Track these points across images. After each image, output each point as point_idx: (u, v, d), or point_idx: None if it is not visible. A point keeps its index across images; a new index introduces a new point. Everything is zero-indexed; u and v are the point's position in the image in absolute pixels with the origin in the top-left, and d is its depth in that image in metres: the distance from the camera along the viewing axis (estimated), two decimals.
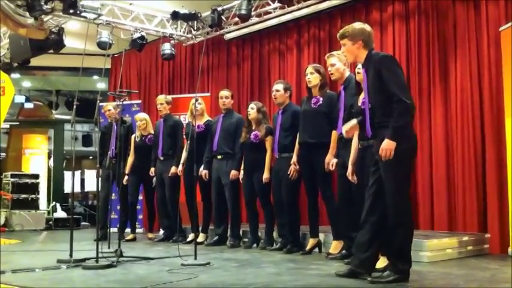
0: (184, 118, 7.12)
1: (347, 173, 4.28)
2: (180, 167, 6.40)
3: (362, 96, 4.09)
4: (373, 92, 3.55)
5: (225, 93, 6.24)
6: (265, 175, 5.55)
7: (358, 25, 3.67)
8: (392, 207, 3.42)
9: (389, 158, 3.36)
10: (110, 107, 6.93)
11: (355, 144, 4.22)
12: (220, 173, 5.98)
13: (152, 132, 6.95)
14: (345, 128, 3.91)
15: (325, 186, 5.00)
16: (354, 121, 3.89)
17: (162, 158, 6.66)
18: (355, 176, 4.23)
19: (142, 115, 7.11)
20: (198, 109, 6.17)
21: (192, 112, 5.90)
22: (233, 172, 5.85)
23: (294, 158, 5.20)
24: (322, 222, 5.40)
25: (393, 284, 3.35)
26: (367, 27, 3.67)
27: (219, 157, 6.03)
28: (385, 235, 3.53)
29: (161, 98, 6.90)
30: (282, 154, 5.37)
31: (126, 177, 6.82)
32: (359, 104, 4.16)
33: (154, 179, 6.82)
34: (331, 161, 4.76)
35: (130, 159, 6.92)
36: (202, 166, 6.15)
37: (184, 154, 6.39)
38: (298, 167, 5.17)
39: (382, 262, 3.86)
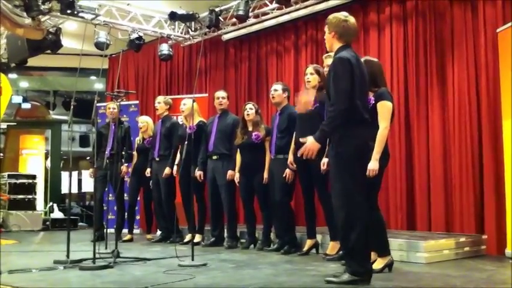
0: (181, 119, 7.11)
1: None
2: (175, 167, 6.40)
3: None
4: (327, 90, 3.56)
5: (221, 93, 6.23)
6: (265, 175, 5.55)
7: (337, 15, 3.55)
8: (341, 209, 3.39)
9: (335, 161, 3.41)
10: (113, 105, 6.89)
11: None
12: (216, 174, 5.96)
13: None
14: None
15: (322, 187, 4.99)
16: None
17: (157, 159, 6.67)
18: None
19: (143, 118, 7.25)
20: (183, 110, 6.20)
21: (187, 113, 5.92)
22: (230, 172, 5.83)
23: (290, 158, 5.19)
24: (319, 223, 5.40)
25: (350, 286, 3.29)
26: (348, 20, 3.50)
27: (215, 157, 6.00)
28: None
29: (160, 98, 6.95)
30: (277, 155, 5.37)
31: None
32: None
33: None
34: (321, 160, 4.75)
35: (133, 162, 7.05)
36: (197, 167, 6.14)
37: (178, 155, 6.39)
38: (295, 166, 5.16)
39: (379, 263, 3.88)
